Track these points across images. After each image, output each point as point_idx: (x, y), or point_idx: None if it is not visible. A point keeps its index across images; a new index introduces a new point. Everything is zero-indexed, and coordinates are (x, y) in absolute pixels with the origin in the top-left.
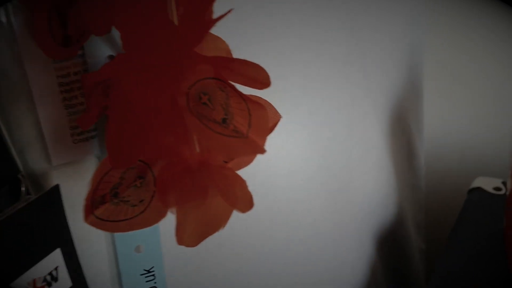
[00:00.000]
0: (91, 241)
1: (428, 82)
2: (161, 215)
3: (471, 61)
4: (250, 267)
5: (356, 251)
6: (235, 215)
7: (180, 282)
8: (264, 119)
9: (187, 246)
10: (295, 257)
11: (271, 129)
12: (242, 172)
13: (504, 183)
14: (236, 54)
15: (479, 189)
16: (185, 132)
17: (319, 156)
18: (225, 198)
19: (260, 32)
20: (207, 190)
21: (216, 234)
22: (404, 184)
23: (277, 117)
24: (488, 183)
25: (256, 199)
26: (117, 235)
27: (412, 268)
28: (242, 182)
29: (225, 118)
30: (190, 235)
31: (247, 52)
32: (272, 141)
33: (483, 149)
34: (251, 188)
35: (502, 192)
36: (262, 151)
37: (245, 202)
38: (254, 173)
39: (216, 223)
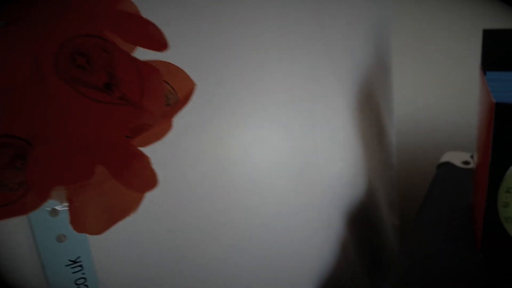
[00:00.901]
0: (9, 232)
1: (396, 60)
2: (42, 200)
3: (439, 39)
4: (198, 252)
5: (324, 229)
6: (181, 193)
7: (114, 272)
8: (160, 85)
9: (91, 234)
10: (257, 239)
11: (185, 99)
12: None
13: (473, 157)
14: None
15: (448, 163)
16: (50, 101)
17: (281, 135)
18: (117, 178)
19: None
20: (92, 170)
21: (157, 217)
22: (376, 162)
23: (190, 86)
24: (456, 158)
25: (213, 181)
26: (36, 224)
27: (385, 244)
28: (143, 160)
29: (108, 83)
30: (93, 221)
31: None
32: (229, 119)
33: (453, 125)
34: (203, 168)
35: (471, 166)
36: (156, 121)
37: (145, 182)
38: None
39: (124, 208)
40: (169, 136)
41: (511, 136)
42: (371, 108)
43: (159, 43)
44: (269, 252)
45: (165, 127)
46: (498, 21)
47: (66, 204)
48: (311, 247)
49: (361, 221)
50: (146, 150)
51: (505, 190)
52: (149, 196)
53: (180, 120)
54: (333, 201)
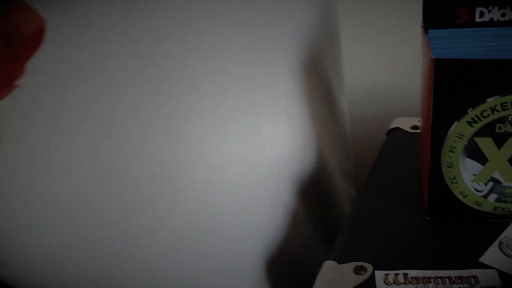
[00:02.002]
0: None
1: (344, 28)
2: None
3: (387, 7)
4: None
5: (272, 202)
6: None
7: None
8: None
9: None
10: (196, 216)
11: (34, 39)
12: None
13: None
14: None
15: (397, 129)
16: None
17: (214, 102)
18: None
19: None
20: None
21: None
22: (328, 132)
23: (39, 22)
24: (406, 123)
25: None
26: None
27: (340, 215)
28: None
29: None
30: None
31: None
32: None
33: (404, 90)
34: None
35: (419, 130)
36: None
37: None
38: None
39: None
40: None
41: (451, 93)
42: (319, 76)
43: None
44: (211, 229)
45: (14, 72)
46: None
47: None
48: (256, 221)
49: (313, 192)
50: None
51: (448, 149)
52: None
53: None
54: (281, 173)
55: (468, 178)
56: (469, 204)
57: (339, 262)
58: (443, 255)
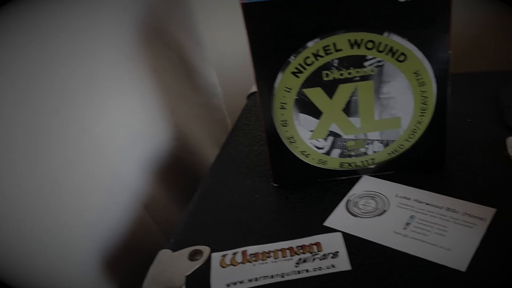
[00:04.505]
0: None
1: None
2: None
3: None
4: None
5: (111, 193)
6: None
7: None
8: None
9: None
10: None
11: None
12: None
13: None
14: None
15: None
16: None
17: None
18: None
19: None
20: None
21: None
22: (191, 106)
23: None
24: None
25: None
26: None
27: None
28: None
29: None
30: None
31: None
32: None
33: None
34: None
35: None
36: None
37: None
38: None
39: None
40: None
41: (267, 40)
42: (169, 47)
43: None
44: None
45: None
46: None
47: None
48: (94, 215)
49: (174, 173)
50: None
51: (279, 106)
52: None
53: None
54: (127, 159)
55: (305, 135)
56: (313, 164)
57: (175, 249)
58: (289, 224)
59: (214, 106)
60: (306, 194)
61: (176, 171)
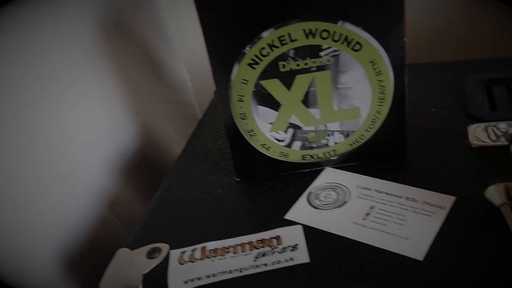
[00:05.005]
0: None
1: None
2: None
3: None
4: None
5: (83, 181)
6: None
7: None
8: None
9: None
10: None
11: None
12: None
13: None
14: None
15: None
16: None
17: None
18: None
19: None
20: None
21: None
22: (158, 103)
23: None
24: None
25: None
26: None
27: None
28: None
29: None
30: None
31: None
32: None
33: None
34: None
35: None
36: None
37: None
38: None
39: None
40: None
41: (221, 30)
42: (131, 42)
43: None
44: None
45: None
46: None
47: None
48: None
49: (140, 172)
50: None
51: (237, 99)
52: None
53: None
54: (98, 157)
55: (265, 128)
56: (274, 157)
57: (134, 247)
58: (250, 219)
59: (185, 103)
60: (268, 188)
61: (144, 169)
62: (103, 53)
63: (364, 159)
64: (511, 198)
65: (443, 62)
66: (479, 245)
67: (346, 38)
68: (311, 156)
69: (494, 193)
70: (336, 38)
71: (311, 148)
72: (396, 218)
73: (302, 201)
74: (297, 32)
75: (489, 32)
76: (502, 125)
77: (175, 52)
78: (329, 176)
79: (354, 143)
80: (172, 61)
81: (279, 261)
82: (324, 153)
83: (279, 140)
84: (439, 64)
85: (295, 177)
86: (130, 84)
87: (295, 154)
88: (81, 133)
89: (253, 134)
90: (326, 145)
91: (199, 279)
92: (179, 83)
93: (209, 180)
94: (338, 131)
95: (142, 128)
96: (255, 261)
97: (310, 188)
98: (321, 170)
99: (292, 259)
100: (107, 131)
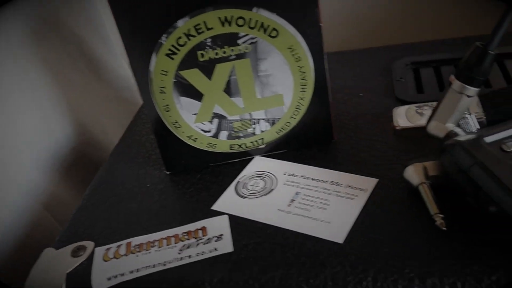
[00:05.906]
0: None
1: None
2: None
3: None
4: None
5: (13, 182)
6: None
7: None
8: None
9: None
10: None
11: None
12: None
13: None
14: None
15: None
16: None
17: None
18: None
19: None
20: None
21: None
22: (106, 98)
23: None
24: None
25: None
26: None
27: None
28: None
29: None
30: None
31: None
32: None
33: None
34: None
35: None
36: None
37: None
38: None
39: None
40: None
41: (134, 19)
42: (66, 40)
43: None
44: None
45: None
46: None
47: None
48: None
49: (80, 169)
50: None
51: (159, 91)
52: None
53: None
54: (30, 156)
55: (190, 119)
56: (202, 148)
57: (59, 247)
58: (178, 211)
59: (127, 99)
60: (197, 179)
61: (82, 167)
62: (32, 51)
63: (292, 146)
64: (429, 177)
65: (373, 48)
66: (398, 224)
67: (262, 25)
68: (239, 146)
69: (412, 173)
70: (252, 25)
71: (238, 137)
72: (319, 203)
73: (230, 191)
74: (212, 20)
75: (418, 15)
76: (425, 107)
77: (114, 49)
78: (257, 164)
79: (280, 130)
80: (111, 58)
81: (203, 252)
82: (252, 142)
83: (205, 131)
84: (369, 50)
85: (225, 168)
86: (65, 83)
87: (223, 144)
88: (9, 133)
89: (178, 126)
90: (253, 133)
91: (122, 275)
92: (119, 80)
93: (139, 174)
94: (263, 119)
95: (79, 126)
96: (179, 253)
97: (238, 178)
98: (250, 159)
99: (216, 249)
100: (39, 130)
